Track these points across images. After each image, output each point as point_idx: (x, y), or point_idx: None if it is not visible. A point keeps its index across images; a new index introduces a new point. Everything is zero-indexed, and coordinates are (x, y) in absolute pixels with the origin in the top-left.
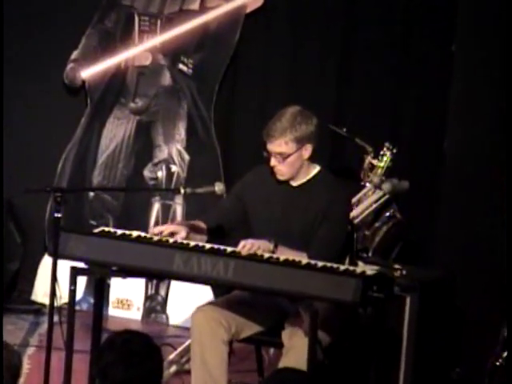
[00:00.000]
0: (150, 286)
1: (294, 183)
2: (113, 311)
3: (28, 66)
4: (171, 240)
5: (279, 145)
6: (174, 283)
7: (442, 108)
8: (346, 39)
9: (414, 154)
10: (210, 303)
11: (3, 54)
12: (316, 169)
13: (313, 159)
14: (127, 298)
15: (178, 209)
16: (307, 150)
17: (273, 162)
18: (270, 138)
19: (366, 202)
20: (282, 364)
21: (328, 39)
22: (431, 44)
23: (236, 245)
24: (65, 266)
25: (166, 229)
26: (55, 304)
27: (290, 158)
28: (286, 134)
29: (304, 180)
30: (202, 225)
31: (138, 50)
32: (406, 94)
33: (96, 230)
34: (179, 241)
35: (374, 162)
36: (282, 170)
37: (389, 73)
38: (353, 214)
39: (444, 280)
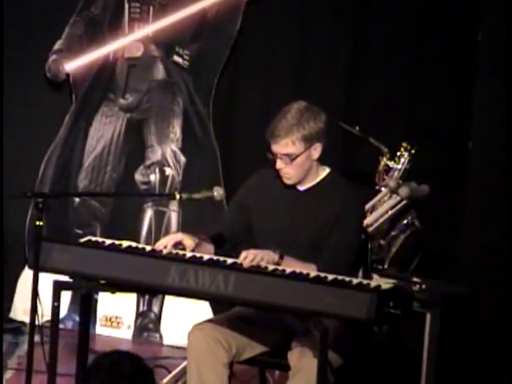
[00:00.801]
0: (141, 302)
1: (301, 187)
2: (100, 330)
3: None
4: (165, 250)
5: (285, 145)
6: (169, 298)
7: (465, 103)
8: (357, 28)
9: (434, 155)
10: (208, 321)
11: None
12: (325, 171)
13: (322, 161)
14: (116, 315)
15: (173, 216)
16: (316, 150)
17: (279, 164)
18: (274, 138)
19: (381, 209)
20: None
21: (338, 28)
22: (453, 33)
23: (238, 256)
24: (47, 280)
25: (170, 239)
26: (36, 322)
27: (297, 159)
28: (293, 133)
29: (312, 183)
30: (208, 238)
31: (128, 40)
32: (424, 88)
33: (82, 240)
34: (175, 251)
35: (390, 163)
36: (290, 172)
37: (405, 65)
38: (367, 221)
39: (468, 295)
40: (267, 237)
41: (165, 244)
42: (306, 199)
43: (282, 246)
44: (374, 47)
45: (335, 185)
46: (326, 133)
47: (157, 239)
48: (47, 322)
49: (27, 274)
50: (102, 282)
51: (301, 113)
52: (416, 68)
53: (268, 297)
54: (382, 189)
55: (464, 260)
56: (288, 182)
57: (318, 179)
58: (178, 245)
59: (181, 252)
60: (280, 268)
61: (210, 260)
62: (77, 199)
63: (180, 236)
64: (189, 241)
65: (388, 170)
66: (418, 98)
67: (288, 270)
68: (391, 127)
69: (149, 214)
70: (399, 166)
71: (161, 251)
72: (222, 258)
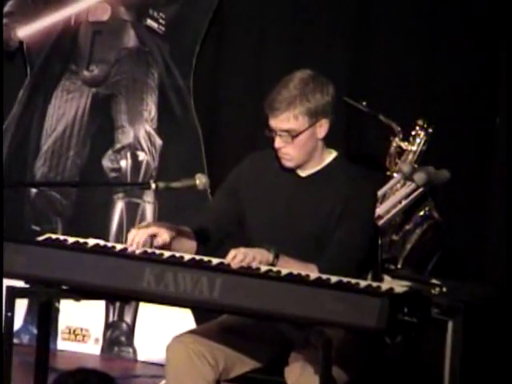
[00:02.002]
0: (111, 311)
1: (303, 173)
2: (63, 344)
3: None
4: (137, 250)
5: (286, 119)
6: (144, 306)
7: (491, 72)
8: None
9: (455, 135)
10: (190, 332)
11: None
12: (332, 155)
13: (327, 142)
14: (82, 326)
15: (148, 209)
16: (322, 127)
17: (278, 142)
18: (273, 111)
19: (393, 198)
20: None
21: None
22: None
23: (225, 255)
24: None
25: (141, 234)
26: None
27: (300, 136)
28: (296, 106)
29: (316, 169)
30: (190, 231)
31: (93, 1)
32: (443, 56)
33: (40, 238)
34: (151, 250)
35: (404, 145)
36: (290, 152)
37: (421, 28)
38: (377, 213)
39: (496, 299)
40: (261, 231)
41: (136, 240)
42: (309, 187)
43: (278, 241)
44: (384, 8)
45: (343, 171)
46: (334, 108)
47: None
48: None
49: None
50: (64, 287)
51: (305, 83)
52: (434, 32)
53: (261, 303)
54: (394, 174)
55: (491, 258)
56: (288, 164)
57: (323, 164)
58: (152, 238)
59: (157, 251)
60: (275, 269)
61: (192, 260)
62: (33, 190)
63: (153, 229)
64: (164, 234)
65: (401, 152)
66: (436, 67)
67: (284, 272)
68: (404, 102)
69: (119, 206)
70: (414, 148)
71: (133, 250)
72: (206, 258)
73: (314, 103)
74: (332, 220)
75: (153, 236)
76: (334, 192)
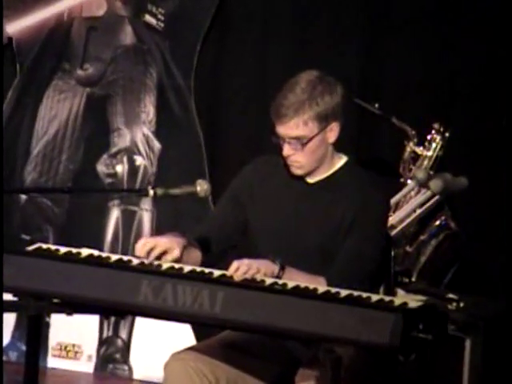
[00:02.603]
0: (105, 326)
1: (311, 179)
2: (53, 361)
3: None
4: (135, 260)
5: (296, 126)
6: (140, 321)
7: None
8: None
9: (473, 140)
10: (189, 348)
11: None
12: (342, 160)
13: (337, 146)
14: (74, 342)
15: (146, 217)
16: (333, 131)
17: (287, 150)
18: (281, 118)
19: (407, 207)
20: None
21: None
22: None
23: (227, 267)
24: None
25: (155, 245)
26: None
27: (310, 143)
28: (305, 111)
29: (325, 175)
30: (194, 243)
31: None
32: (462, 57)
33: (30, 248)
34: (148, 260)
35: (419, 150)
36: (301, 160)
37: (439, 26)
38: (390, 222)
39: None
40: (266, 241)
41: (148, 248)
42: (317, 194)
43: (284, 252)
44: (398, 7)
45: (354, 177)
46: (344, 109)
47: (125, 245)
48: None
49: None
50: (56, 300)
51: (313, 85)
52: (452, 31)
53: (265, 318)
54: (409, 181)
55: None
56: (298, 171)
57: (333, 169)
58: (164, 255)
59: (156, 262)
60: (280, 282)
61: (193, 272)
62: (23, 196)
63: (166, 244)
64: (175, 250)
65: (416, 157)
66: (454, 67)
67: (291, 285)
68: (419, 104)
69: (115, 214)
70: (430, 153)
71: (129, 261)
72: (207, 270)
73: (324, 106)
74: (341, 230)
75: (164, 252)
76: (343, 200)
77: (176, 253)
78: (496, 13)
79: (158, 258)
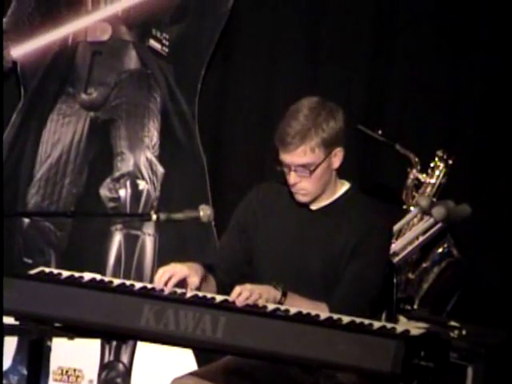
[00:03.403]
0: (107, 350)
1: (314, 206)
2: None
3: None
4: (138, 285)
5: (302, 153)
6: (142, 346)
7: None
8: (383, 5)
9: (477, 167)
10: (191, 373)
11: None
12: (345, 186)
13: (340, 172)
14: (75, 366)
15: (148, 241)
16: (337, 156)
17: (293, 178)
18: (287, 146)
19: (410, 234)
20: None
21: (359, 4)
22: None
23: (230, 293)
24: None
25: (173, 274)
26: None
27: (318, 169)
28: (311, 138)
29: (328, 201)
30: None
31: (93, 20)
32: (465, 84)
33: (32, 272)
34: (150, 285)
35: (422, 177)
36: (308, 187)
37: (442, 54)
38: (392, 249)
39: None
40: (270, 267)
41: (166, 279)
42: (320, 221)
43: (288, 278)
44: (403, 29)
45: (356, 204)
46: (346, 134)
47: (127, 270)
48: None
49: None
50: (57, 324)
51: (317, 112)
52: (454, 58)
53: (267, 344)
54: (411, 208)
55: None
56: (303, 199)
57: (336, 196)
58: (181, 283)
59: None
60: (282, 308)
61: (195, 297)
62: (26, 220)
63: (185, 271)
64: (194, 277)
65: (419, 184)
66: (458, 95)
67: (293, 311)
68: (423, 131)
69: (117, 238)
70: (433, 181)
71: (132, 285)
72: (209, 295)
73: (329, 132)
74: (344, 256)
75: (183, 280)
76: (346, 227)
77: (195, 279)
78: (506, 39)
79: (177, 285)
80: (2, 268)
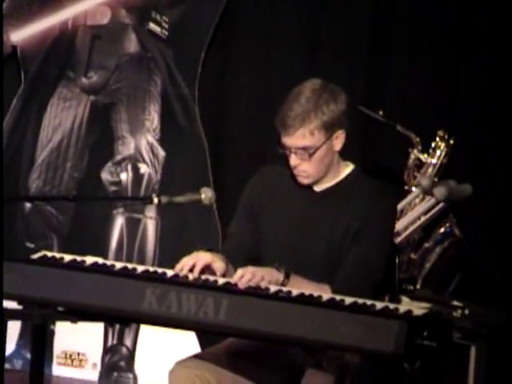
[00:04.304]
0: (110, 334)
1: (318, 187)
2: (58, 370)
3: None
4: (140, 268)
5: (302, 136)
6: (145, 329)
7: None
8: None
9: (478, 146)
10: (194, 356)
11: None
12: (349, 168)
13: (342, 153)
14: (79, 350)
15: (150, 225)
16: (339, 139)
17: (294, 160)
18: (287, 129)
19: (411, 214)
20: None
21: None
22: None
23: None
24: None
25: (197, 260)
26: None
27: (318, 152)
28: (311, 120)
29: (332, 183)
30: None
31: (92, 4)
32: (466, 64)
33: (35, 256)
34: (153, 268)
35: (423, 157)
36: (308, 170)
37: (443, 35)
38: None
39: None
40: (274, 249)
41: (190, 265)
42: (324, 202)
43: (292, 260)
44: (403, 12)
45: (361, 185)
46: (348, 116)
47: (129, 253)
48: None
49: None
50: (60, 309)
51: (318, 94)
52: (455, 38)
53: (270, 326)
54: (413, 189)
55: None
56: (304, 181)
57: (340, 178)
58: (206, 270)
59: (160, 270)
60: (285, 289)
61: (197, 280)
62: (27, 204)
63: (209, 257)
64: (219, 262)
65: (420, 165)
66: (459, 73)
67: (295, 292)
68: (424, 111)
69: (119, 222)
70: (434, 161)
71: (134, 269)
72: (211, 278)
73: (330, 115)
74: (348, 238)
75: (207, 266)
76: (350, 208)
77: (221, 264)
78: (501, 19)
79: (202, 272)
80: (1, 253)
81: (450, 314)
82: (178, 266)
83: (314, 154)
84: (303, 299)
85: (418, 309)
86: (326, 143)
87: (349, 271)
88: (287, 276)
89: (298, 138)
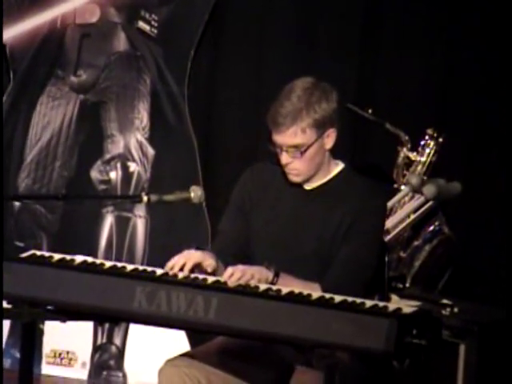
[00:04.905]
0: (99, 333)
1: (308, 186)
2: (47, 368)
3: None
4: (129, 267)
5: (293, 134)
6: (134, 328)
7: (506, 81)
8: None
9: (467, 145)
10: (184, 355)
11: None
12: (339, 166)
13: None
14: (68, 349)
15: (139, 224)
16: (330, 137)
17: (285, 158)
18: (279, 127)
19: (401, 212)
20: None
21: None
22: None
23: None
24: None
25: (188, 259)
26: None
27: (309, 150)
28: (302, 118)
29: (322, 181)
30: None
31: (81, 2)
32: (455, 62)
33: (24, 255)
34: (142, 267)
35: (412, 155)
36: (299, 168)
37: (432, 33)
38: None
39: (510, 321)
40: (264, 247)
41: (180, 264)
42: (314, 201)
43: (282, 258)
44: (392, 11)
45: (351, 184)
46: (340, 115)
47: (119, 252)
48: None
49: None
50: (50, 307)
51: (309, 92)
52: (444, 37)
53: (259, 324)
54: (402, 187)
55: (506, 277)
56: (295, 179)
57: (330, 176)
58: (196, 268)
59: (149, 269)
60: (274, 288)
61: (187, 278)
62: (17, 203)
63: (199, 255)
64: (209, 260)
65: (409, 163)
66: (448, 72)
67: (284, 291)
68: (413, 109)
69: (109, 220)
70: (423, 159)
71: (123, 267)
72: (201, 276)
73: (321, 113)
74: (338, 236)
75: (197, 264)
76: (341, 206)
77: (211, 262)
78: (491, 17)
79: (192, 270)
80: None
81: (439, 312)
82: (169, 265)
83: (305, 152)
84: (293, 297)
85: (408, 307)
86: (318, 141)
87: (339, 270)
88: (277, 274)
89: (289, 136)
